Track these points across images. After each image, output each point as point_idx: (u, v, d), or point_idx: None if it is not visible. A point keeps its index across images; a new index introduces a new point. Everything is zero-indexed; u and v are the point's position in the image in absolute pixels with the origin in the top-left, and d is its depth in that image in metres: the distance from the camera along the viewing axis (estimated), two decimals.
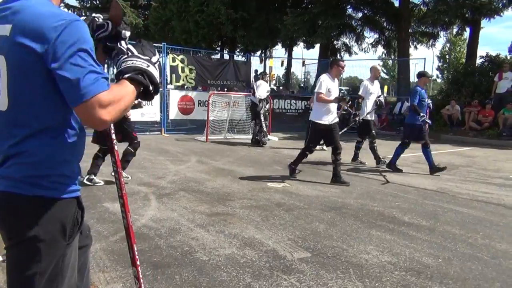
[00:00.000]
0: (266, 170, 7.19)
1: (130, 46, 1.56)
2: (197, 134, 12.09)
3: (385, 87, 39.36)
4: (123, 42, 1.58)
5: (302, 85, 25.90)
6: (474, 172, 7.81)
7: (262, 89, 10.87)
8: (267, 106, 11.22)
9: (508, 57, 16.90)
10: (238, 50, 28.57)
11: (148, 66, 1.50)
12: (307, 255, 3.47)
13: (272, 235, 3.92)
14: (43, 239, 1.33)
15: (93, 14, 1.64)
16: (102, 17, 1.63)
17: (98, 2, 29.77)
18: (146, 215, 4.38)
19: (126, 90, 1.42)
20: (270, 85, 11.30)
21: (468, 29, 18.62)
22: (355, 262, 3.35)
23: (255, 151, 9.62)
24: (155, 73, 1.52)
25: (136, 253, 1.78)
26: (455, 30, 20.90)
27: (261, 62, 28.63)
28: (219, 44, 29.19)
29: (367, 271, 3.17)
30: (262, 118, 10.78)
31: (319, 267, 3.22)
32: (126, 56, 1.52)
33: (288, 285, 2.89)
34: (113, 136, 1.69)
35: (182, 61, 12.92)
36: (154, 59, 1.55)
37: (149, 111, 12.31)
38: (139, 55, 1.52)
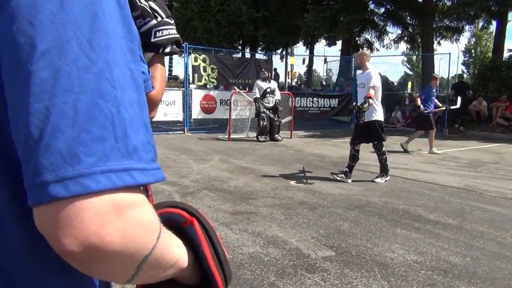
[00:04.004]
0: (289, 169, 7.17)
1: (153, 5, 1.35)
2: (219, 133, 12.15)
3: (409, 83, 38.81)
4: None
5: (324, 82, 25.68)
6: (502, 169, 7.62)
7: (254, 89, 11.18)
8: (268, 104, 11.13)
9: None
10: (260, 48, 28.59)
11: (175, 29, 1.41)
12: (331, 253, 3.45)
13: (295, 234, 3.91)
14: None
15: None
16: None
17: None
18: None
19: (165, 73, 1.39)
20: (268, 82, 11.19)
21: (494, 23, 18.18)
22: (380, 261, 3.31)
23: (278, 150, 9.60)
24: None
25: None
26: (480, 24, 20.45)
27: (282, 60, 28.60)
28: (240, 42, 29.26)
29: (392, 270, 3.13)
30: (264, 116, 10.97)
31: (343, 265, 3.20)
32: (155, 21, 1.33)
33: (313, 284, 2.88)
34: None
35: (204, 60, 12.99)
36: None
37: (172, 111, 12.45)
38: (168, 20, 1.38)
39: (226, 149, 9.51)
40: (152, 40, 1.33)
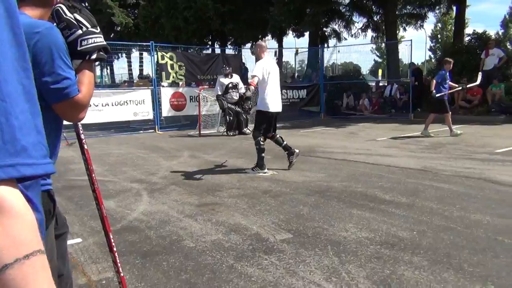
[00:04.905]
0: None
1: (78, 17, 1.52)
2: (190, 129, 12.26)
3: (379, 71, 39.37)
4: (65, 9, 1.50)
5: (296, 74, 25.89)
6: (460, 149, 7.99)
7: (216, 86, 11.31)
8: (232, 99, 11.26)
9: (500, 33, 17.02)
10: (229, 43, 28.64)
11: (102, 37, 1.57)
12: (288, 236, 3.66)
13: (257, 220, 4.11)
14: None
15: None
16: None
17: None
18: (137, 210, 4.57)
19: (92, 78, 1.55)
20: (229, 78, 11.27)
21: (454, 8, 18.73)
22: (334, 239, 3.55)
23: (247, 143, 9.78)
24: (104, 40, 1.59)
25: (112, 239, 1.98)
26: (444, 9, 21.01)
27: (253, 54, 28.69)
28: (210, 38, 29.24)
29: (344, 247, 3.37)
30: (229, 112, 11.12)
31: (299, 246, 3.42)
32: (80, 31, 1.50)
33: (269, 264, 3.09)
34: (82, 136, 1.86)
35: (171, 58, 13.02)
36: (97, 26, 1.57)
37: (142, 110, 12.46)
38: (93, 29, 1.54)
39: (197, 145, 9.66)
40: (78, 48, 1.51)
